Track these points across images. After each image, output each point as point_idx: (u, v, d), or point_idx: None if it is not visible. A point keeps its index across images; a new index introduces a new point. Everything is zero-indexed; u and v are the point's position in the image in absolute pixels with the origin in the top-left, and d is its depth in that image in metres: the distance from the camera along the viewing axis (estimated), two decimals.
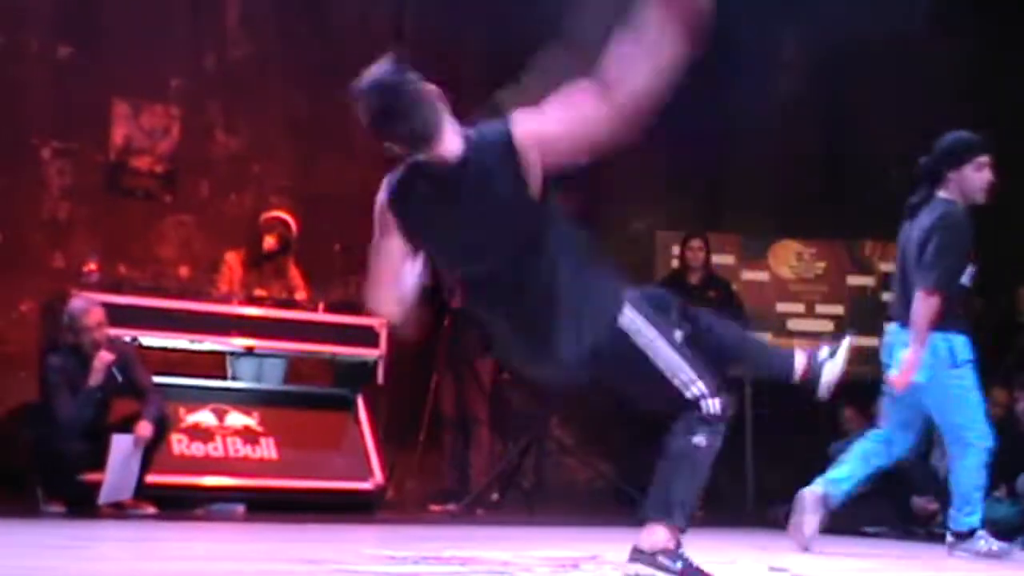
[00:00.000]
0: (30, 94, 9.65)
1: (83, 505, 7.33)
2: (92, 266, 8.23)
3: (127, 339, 7.94)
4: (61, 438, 7.49)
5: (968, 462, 6.22)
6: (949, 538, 6.26)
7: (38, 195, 9.64)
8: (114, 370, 7.58)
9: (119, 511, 7.42)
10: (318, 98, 10.38)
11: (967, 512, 6.20)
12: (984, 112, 10.98)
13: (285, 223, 8.96)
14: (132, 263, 9.65)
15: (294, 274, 8.96)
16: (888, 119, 11.37)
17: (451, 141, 3.90)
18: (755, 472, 10.32)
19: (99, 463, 7.44)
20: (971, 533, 6.16)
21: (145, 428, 7.45)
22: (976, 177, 6.29)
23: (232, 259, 9.00)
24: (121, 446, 7.39)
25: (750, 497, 10.20)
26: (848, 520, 8.39)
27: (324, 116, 10.38)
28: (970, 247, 6.30)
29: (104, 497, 7.37)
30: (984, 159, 6.28)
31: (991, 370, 9.48)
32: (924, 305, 6.18)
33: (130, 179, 9.88)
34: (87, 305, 7.65)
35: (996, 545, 6.15)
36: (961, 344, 6.26)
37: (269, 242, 8.94)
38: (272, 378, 8.96)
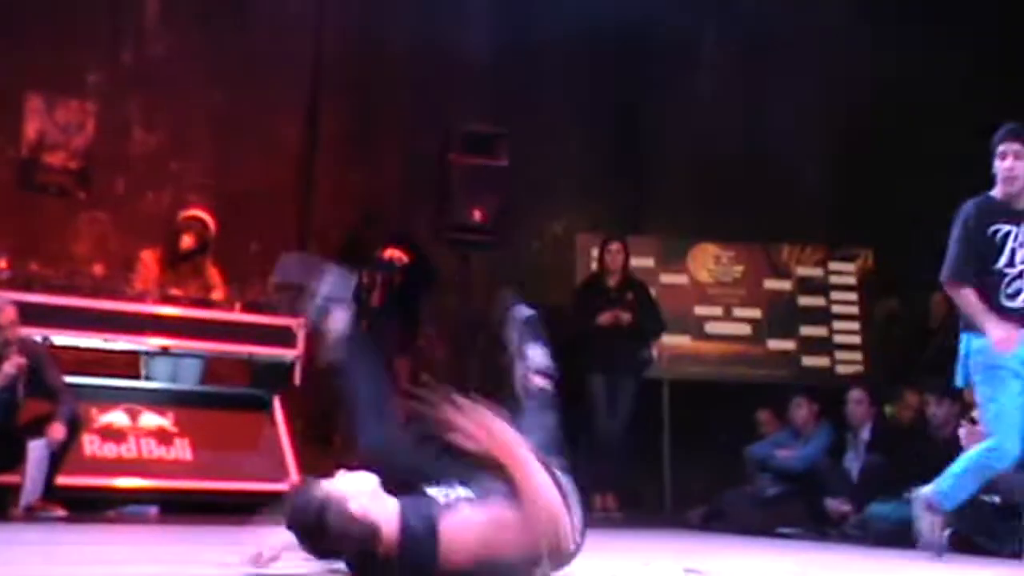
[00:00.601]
0: None
1: None
2: (2, 263, 8.10)
3: (38, 338, 7.80)
4: None
5: (974, 458, 6.17)
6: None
7: None
8: (18, 384, 7.42)
9: (27, 514, 7.28)
10: (238, 95, 10.32)
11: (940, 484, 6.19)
12: (903, 110, 11.11)
13: (203, 222, 8.87)
14: (45, 261, 9.49)
15: (211, 273, 8.86)
16: (807, 121, 11.45)
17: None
18: (672, 474, 10.36)
19: (9, 465, 7.31)
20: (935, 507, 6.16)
21: (58, 431, 7.32)
22: (999, 167, 6.31)
23: (148, 258, 8.89)
24: (37, 452, 7.26)
25: (667, 498, 10.24)
26: (762, 521, 8.47)
27: (243, 114, 10.32)
28: (979, 238, 6.24)
29: (23, 503, 7.25)
30: (1002, 148, 6.28)
31: (904, 372, 9.59)
32: (955, 297, 6.26)
33: (43, 175, 9.75)
34: (2, 302, 7.53)
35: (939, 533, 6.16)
36: (978, 347, 6.16)
37: (186, 241, 8.84)
38: (188, 378, 8.86)
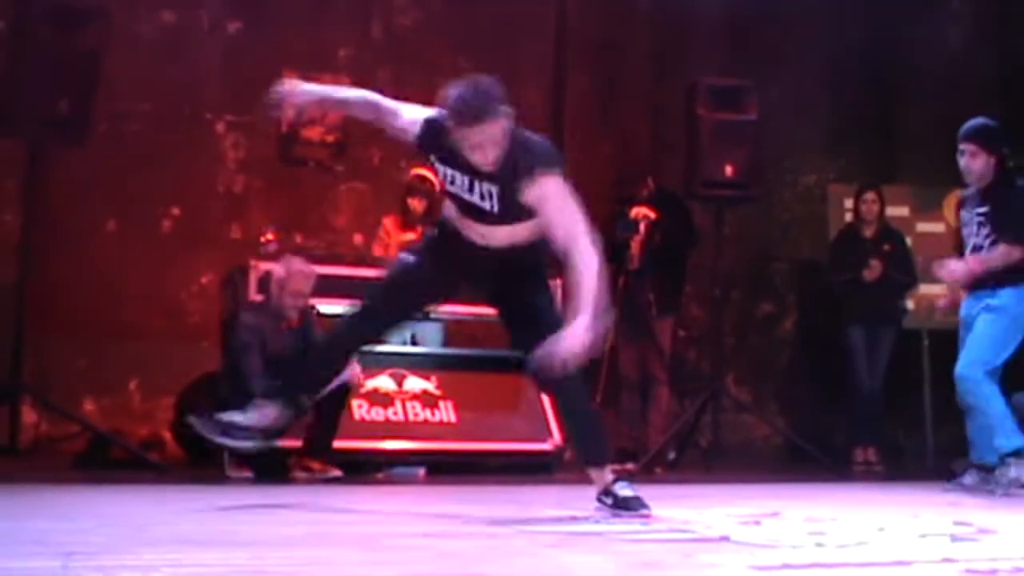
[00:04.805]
0: (203, 70, 9.86)
1: (270, 471, 7.44)
2: (270, 236, 8.35)
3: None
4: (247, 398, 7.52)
5: None
6: None
7: (214, 169, 9.85)
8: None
9: (304, 475, 7.54)
10: (483, 63, 10.42)
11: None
12: None
13: (431, 183, 8.57)
14: (308, 232, 9.82)
15: None
16: None
17: None
18: (934, 425, 10.17)
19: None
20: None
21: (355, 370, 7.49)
22: None
23: (389, 223, 8.99)
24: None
25: (930, 451, 10.07)
26: None
27: None
28: None
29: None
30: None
31: None
32: None
33: (302, 149, 10.04)
34: (308, 271, 7.71)
35: None
36: None
37: (415, 205, 8.88)
38: (431, 341, 8.93)
